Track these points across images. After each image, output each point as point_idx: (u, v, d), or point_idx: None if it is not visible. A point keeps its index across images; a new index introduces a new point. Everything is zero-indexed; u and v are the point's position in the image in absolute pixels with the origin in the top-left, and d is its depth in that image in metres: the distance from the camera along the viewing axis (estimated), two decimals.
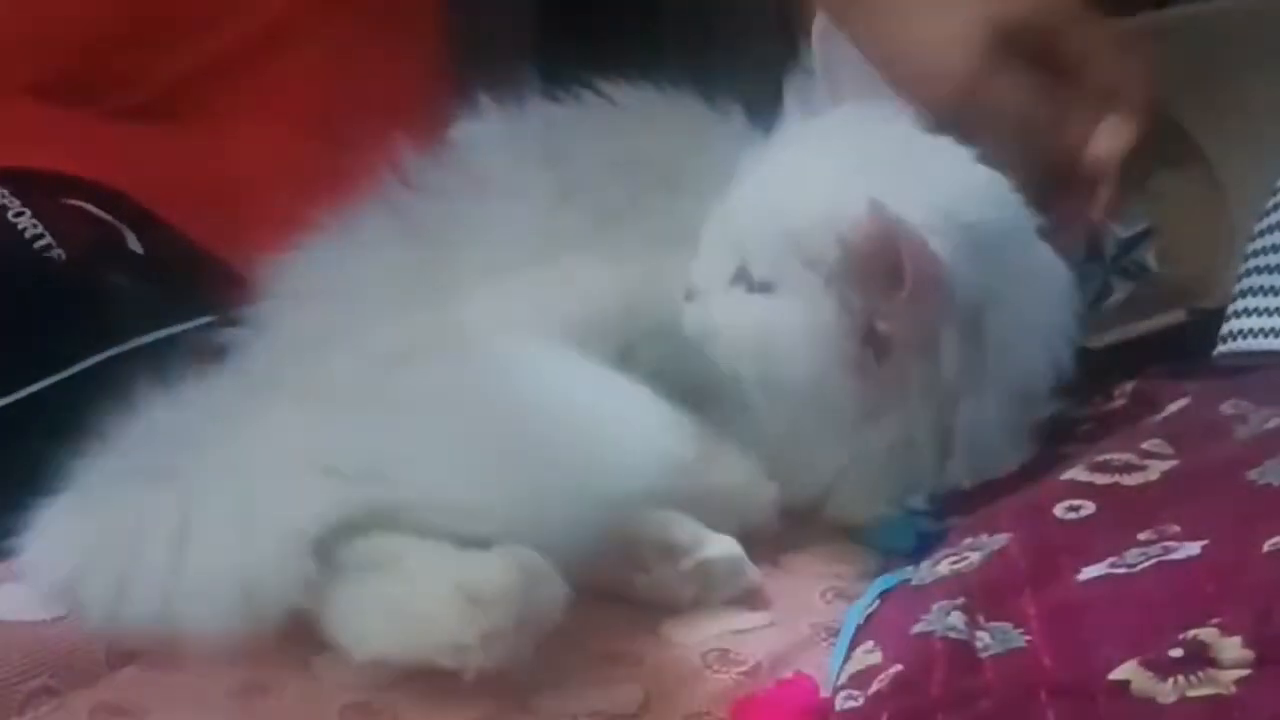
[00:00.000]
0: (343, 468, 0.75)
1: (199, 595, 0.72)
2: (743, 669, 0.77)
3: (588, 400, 0.81)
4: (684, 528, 0.82)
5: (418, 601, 0.72)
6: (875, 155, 0.88)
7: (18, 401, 0.85)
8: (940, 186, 0.86)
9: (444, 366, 0.83)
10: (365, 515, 0.74)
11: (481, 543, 0.73)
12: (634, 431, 0.80)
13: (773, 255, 0.86)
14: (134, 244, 0.94)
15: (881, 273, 0.82)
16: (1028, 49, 0.94)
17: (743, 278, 0.87)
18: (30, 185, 0.92)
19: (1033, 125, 0.95)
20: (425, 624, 0.72)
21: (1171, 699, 0.59)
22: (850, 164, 0.87)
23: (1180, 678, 0.59)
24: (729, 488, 0.86)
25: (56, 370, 0.86)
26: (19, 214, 0.90)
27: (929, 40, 0.94)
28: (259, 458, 0.76)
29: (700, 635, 0.79)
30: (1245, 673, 0.59)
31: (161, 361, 0.84)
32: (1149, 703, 0.59)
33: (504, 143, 0.97)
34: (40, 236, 0.90)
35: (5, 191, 0.91)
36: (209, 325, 0.88)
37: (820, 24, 0.92)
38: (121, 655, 0.74)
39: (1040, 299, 0.90)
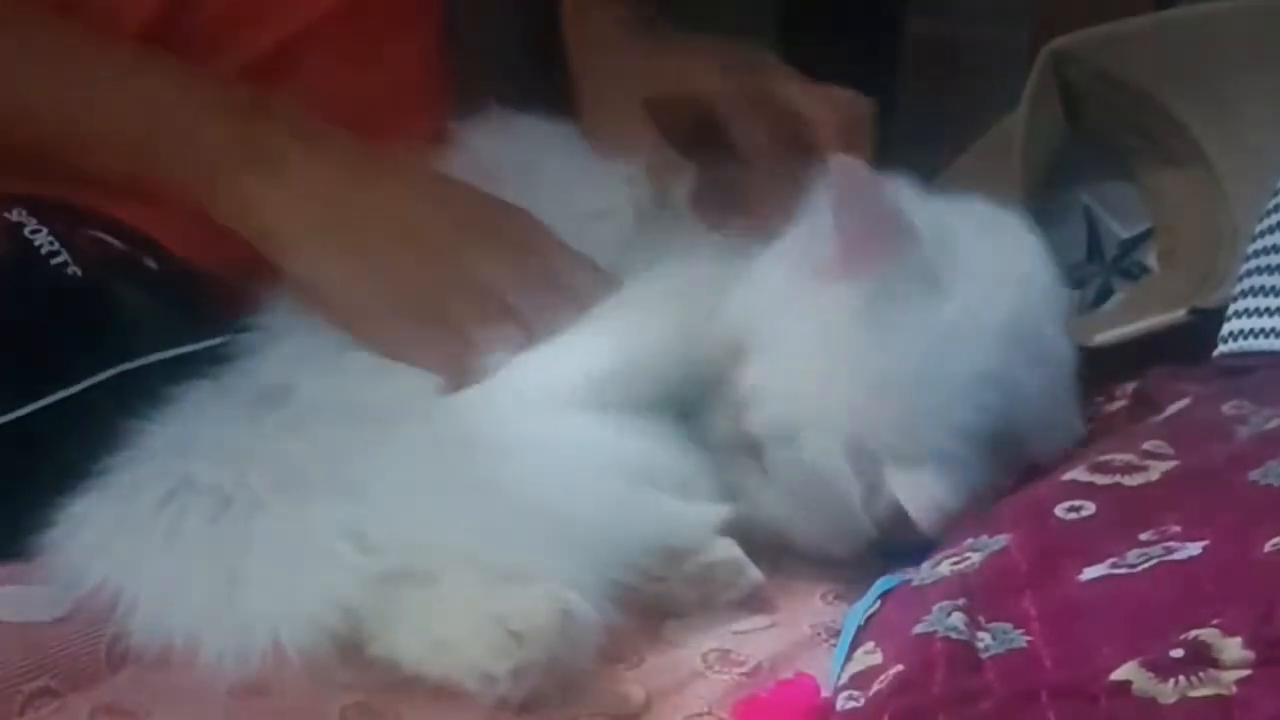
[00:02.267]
0: (378, 539, 0.76)
1: (230, 634, 0.73)
2: (743, 670, 0.77)
3: (615, 451, 0.83)
4: (685, 532, 0.82)
5: (452, 621, 0.73)
6: (897, 367, 0.82)
7: (32, 414, 0.85)
8: (961, 382, 0.83)
9: (466, 422, 0.84)
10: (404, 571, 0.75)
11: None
12: (662, 478, 0.83)
13: (790, 472, 0.84)
14: (151, 264, 0.94)
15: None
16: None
17: (755, 455, 0.85)
18: (46, 209, 0.93)
19: None
20: (457, 645, 0.73)
21: (1172, 699, 0.59)
22: (872, 388, 0.82)
23: (1181, 678, 0.59)
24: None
25: (69, 384, 0.86)
26: (35, 230, 0.91)
27: None
28: (304, 516, 0.77)
29: (701, 636, 0.79)
30: (1246, 673, 0.59)
31: (178, 378, 0.85)
32: (1150, 703, 0.59)
33: (507, 155, 0.97)
34: (57, 253, 0.91)
35: (23, 210, 0.92)
36: (224, 343, 0.89)
37: (844, 166, 0.84)
38: (122, 656, 0.74)
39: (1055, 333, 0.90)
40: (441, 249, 0.90)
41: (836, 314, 0.83)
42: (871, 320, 0.83)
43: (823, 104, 0.98)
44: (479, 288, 0.89)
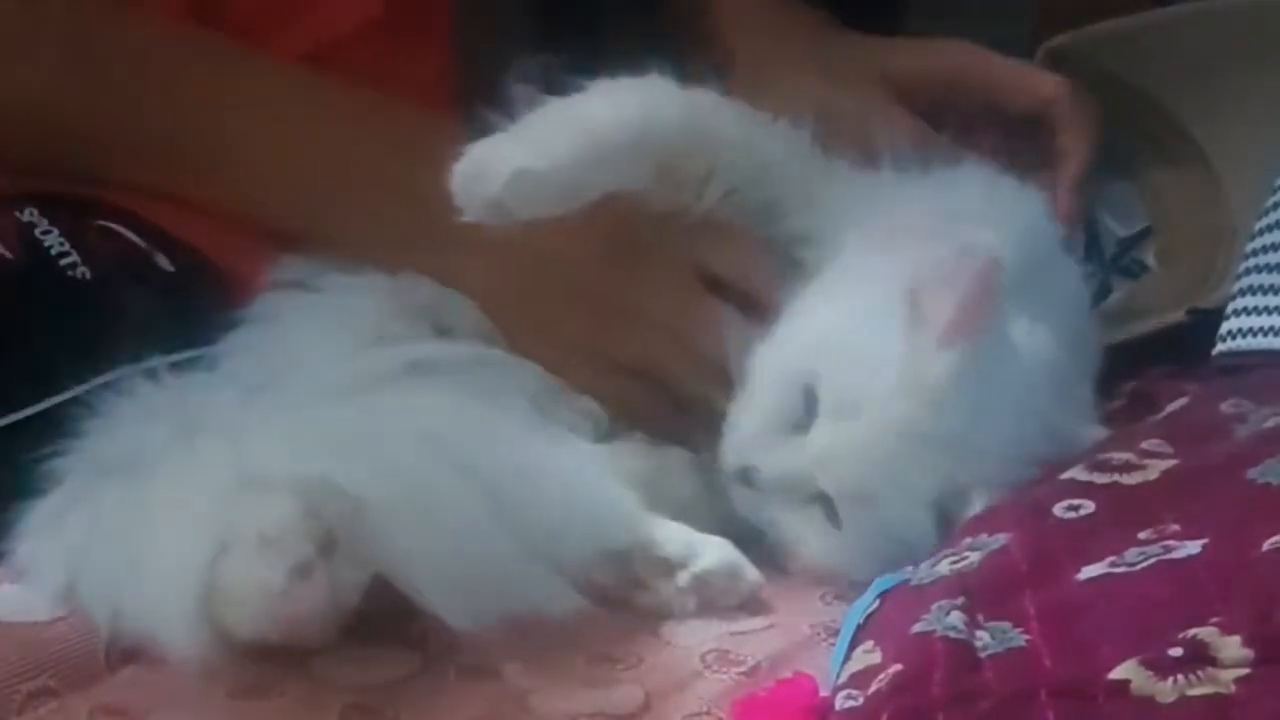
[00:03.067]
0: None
1: (162, 603, 0.72)
2: (742, 669, 0.77)
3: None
4: (677, 540, 0.82)
5: (230, 571, 0.71)
6: (980, 428, 0.83)
7: (33, 416, 0.86)
8: (1027, 427, 0.85)
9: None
10: None
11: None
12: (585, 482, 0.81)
13: (864, 528, 0.84)
14: (164, 264, 0.94)
15: None
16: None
17: (822, 504, 0.84)
18: (59, 206, 0.93)
19: None
20: (246, 584, 0.71)
21: (1171, 698, 0.59)
22: (958, 453, 0.83)
23: (1180, 677, 0.59)
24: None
25: (69, 387, 0.86)
26: (46, 232, 0.91)
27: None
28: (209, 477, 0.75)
29: (700, 636, 0.79)
30: (1245, 672, 0.59)
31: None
32: (1149, 702, 0.59)
33: None
34: (66, 254, 0.91)
35: (34, 210, 0.92)
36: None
37: (991, 261, 0.83)
38: (121, 656, 0.74)
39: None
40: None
41: (931, 382, 0.83)
42: (960, 387, 0.83)
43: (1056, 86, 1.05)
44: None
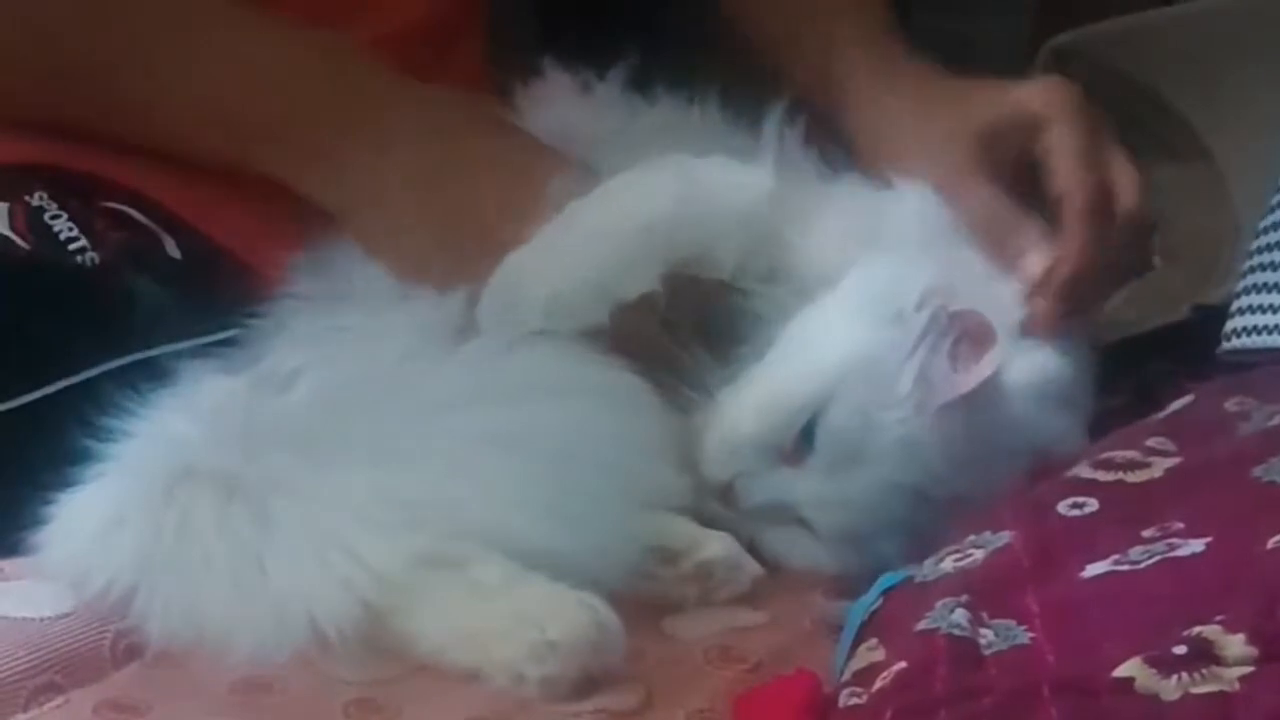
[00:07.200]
0: (410, 514, 0.76)
1: (265, 618, 0.73)
2: (744, 666, 0.77)
3: (623, 429, 0.83)
4: (680, 530, 0.82)
5: (483, 614, 0.74)
6: None
7: (38, 403, 0.86)
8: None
9: (494, 406, 0.84)
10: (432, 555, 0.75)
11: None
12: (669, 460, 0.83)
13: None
14: (172, 249, 0.94)
15: None
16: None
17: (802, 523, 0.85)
18: (70, 187, 0.92)
19: None
20: (488, 640, 0.73)
21: (1175, 696, 0.59)
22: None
23: (1184, 675, 0.59)
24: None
25: (77, 372, 0.86)
26: (55, 216, 0.91)
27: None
28: (329, 498, 0.77)
29: (701, 632, 0.79)
30: (1249, 670, 0.59)
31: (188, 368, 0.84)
32: (1152, 699, 0.59)
33: None
34: (75, 239, 0.91)
35: (44, 195, 0.92)
36: (238, 335, 0.89)
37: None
38: (126, 652, 0.74)
39: None
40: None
41: (928, 452, 0.84)
42: (956, 448, 0.85)
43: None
44: None
